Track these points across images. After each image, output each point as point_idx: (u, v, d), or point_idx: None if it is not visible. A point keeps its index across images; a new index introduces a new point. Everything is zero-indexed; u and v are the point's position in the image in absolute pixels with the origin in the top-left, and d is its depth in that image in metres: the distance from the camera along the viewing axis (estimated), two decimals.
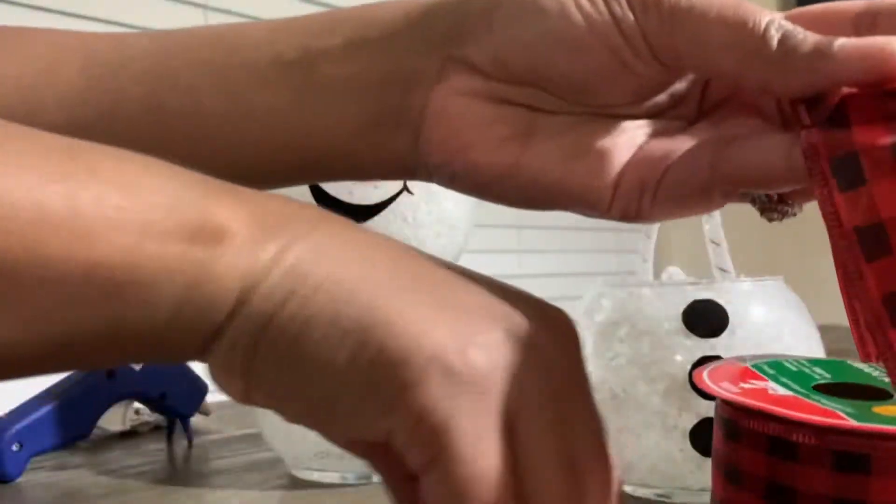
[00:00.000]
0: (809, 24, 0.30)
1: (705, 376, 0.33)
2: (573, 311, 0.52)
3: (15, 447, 0.56)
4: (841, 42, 0.27)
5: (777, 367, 0.35)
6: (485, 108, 0.31)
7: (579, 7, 0.29)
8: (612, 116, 0.32)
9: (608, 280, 0.52)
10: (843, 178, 0.25)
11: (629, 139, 0.32)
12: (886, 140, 0.25)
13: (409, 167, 0.33)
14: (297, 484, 0.52)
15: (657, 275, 0.56)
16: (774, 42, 0.28)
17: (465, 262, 0.33)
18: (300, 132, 0.33)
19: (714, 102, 0.33)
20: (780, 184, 0.30)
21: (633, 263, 0.57)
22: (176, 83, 0.33)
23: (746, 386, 0.32)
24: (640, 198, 0.31)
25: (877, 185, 0.25)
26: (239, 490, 0.52)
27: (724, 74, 0.30)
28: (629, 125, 0.32)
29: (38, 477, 0.56)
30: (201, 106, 0.33)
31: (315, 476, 0.52)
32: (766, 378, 0.33)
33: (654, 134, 0.32)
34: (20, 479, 0.56)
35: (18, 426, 0.57)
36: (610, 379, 0.48)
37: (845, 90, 0.27)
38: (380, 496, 0.48)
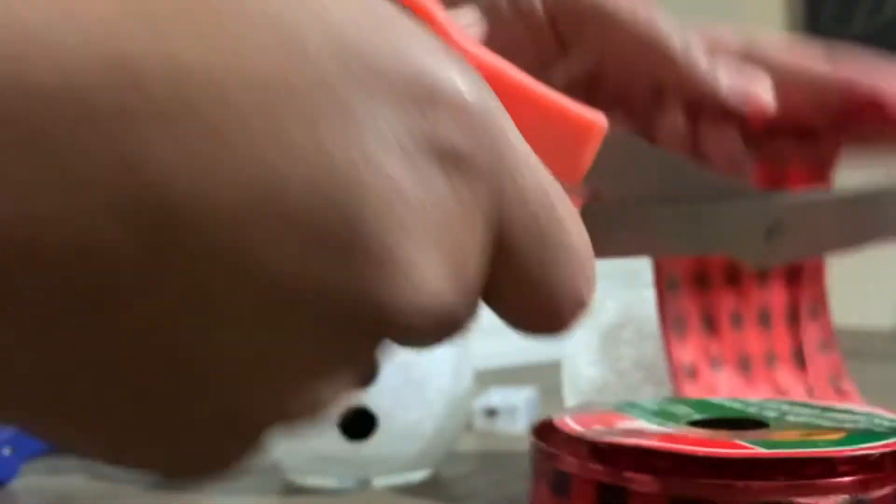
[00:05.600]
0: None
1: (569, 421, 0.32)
2: None
3: (7, 451, 0.55)
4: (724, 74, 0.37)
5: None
6: None
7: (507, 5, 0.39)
8: None
9: (613, 282, 0.51)
10: None
11: None
12: None
13: None
14: (294, 489, 0.51)
15: None
16: (681, 47, 0.36)
17: None
18: None
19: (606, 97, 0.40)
20: None
21: (638, 264, 0.56)
22: None
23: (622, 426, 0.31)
24: None
25: None
26: (235, 495, 0.51)
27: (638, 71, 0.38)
28: None
29: (31, 482, 0.55)
30: None
31: (312, 481, 0.51)
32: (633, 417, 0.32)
33: None
34: (12, 484, 0.55)
35: (10, 430, 0.56)
36: (615, 381, 0.47)
37: None
38: (378, 502, 0.47)
